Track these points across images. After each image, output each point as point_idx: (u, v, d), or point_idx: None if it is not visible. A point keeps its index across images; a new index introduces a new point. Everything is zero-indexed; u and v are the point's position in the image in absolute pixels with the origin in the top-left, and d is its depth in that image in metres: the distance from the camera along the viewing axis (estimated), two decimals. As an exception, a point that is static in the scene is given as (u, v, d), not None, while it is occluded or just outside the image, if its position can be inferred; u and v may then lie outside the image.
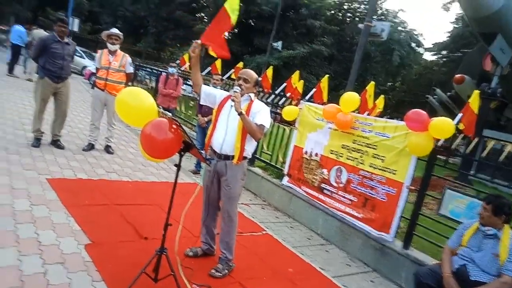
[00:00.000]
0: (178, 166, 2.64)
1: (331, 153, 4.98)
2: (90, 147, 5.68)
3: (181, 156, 2.63)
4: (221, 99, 3.08)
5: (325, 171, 4.99)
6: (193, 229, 3.58)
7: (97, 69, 5.72)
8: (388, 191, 4.17)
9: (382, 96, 7.54)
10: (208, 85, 6.63)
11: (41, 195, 3.65)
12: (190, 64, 3.13)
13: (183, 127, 2.55)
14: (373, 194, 4.32)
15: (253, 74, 3.07)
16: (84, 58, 17.92)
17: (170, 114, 2.57)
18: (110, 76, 5.59)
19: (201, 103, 3.30)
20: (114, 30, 5.69)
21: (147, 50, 30.09)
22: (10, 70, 11.77)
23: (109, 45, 5.61)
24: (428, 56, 37.05)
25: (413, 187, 4.03)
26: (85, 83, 14.56)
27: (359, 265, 4.17)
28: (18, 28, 12.02)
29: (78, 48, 5.43)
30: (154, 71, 13.25)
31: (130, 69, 5.90)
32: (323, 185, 4.97)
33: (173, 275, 2.58)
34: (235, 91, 2.87)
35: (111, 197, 4.02)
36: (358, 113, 5.15)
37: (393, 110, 28.94)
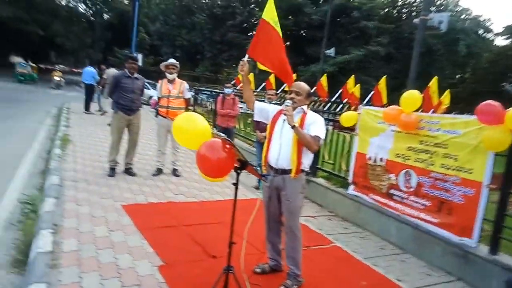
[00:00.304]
0: (236, 184, 2.69)
1: (397, 156, 4.72)
2: (159, 172, 6.02)
3: (238, 174, 2.67)
4: (274, 114, 3.09)
5: (392, 176, 4.73)
6: (259, 245, 3.59)
7: (159, 98, 6.09)
8: (465, 192, 3.83)
9: (448, 90, 7.03)
10: (263, 101, 6.75)
11: (117, 221, 3.93)
12: (241, 82, 3.22)
13: (237, 147, 2.60)
14: (448, 197, 3.99)
15: (304, 86, 3.04)
16: (149, 89, 19.20)
17: (223, 135, 2.63)
18: (171, 104, 5.92)
19: (255, 119, 3.34)
20: (171, 61, 6.05)
21: (205, 74, 31.47)
22: (87, 108, 12.93)
23: (167, 74, 5.97)
24: (500, 41, 33.90)
25: (494, 186, 3.65)
26: (152, 112, 15.54)
27: (441, 274, 3.84)
28: (90, 69, 13.22)
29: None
30: (213, 93, 13.79)
31: (188, 95, 6.20)
32: (392, 191, 4.71)
33: (241, 293, 2.60)
34: (286, 105, 2.86)
35: (180, 218, 4.20)
36: (422, 111, 4.85)
37: (466, 104, 26.77)
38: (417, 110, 4.67)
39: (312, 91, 3.06)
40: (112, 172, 5.60)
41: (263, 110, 3.17)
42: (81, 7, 42.69)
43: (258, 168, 2.87)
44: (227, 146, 2.55)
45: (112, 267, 2.99)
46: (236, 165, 2.64)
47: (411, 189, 4.45)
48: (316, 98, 10.44)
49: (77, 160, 6.18)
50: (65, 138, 7.54)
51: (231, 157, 2.56)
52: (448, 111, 6.86)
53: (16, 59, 39.70)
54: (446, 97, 6.85)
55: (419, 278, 3.69)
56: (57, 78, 24.58)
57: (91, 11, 43.22)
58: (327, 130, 3.18)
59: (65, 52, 42.71)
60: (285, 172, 2.94)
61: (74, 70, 34.52)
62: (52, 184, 4.68)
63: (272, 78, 10.09)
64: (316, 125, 2.90)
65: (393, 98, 4.80)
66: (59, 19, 34.99)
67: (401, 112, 4.60)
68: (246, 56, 3.19)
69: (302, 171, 2.98)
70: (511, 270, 3.31)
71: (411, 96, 4.65)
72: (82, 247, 3.24)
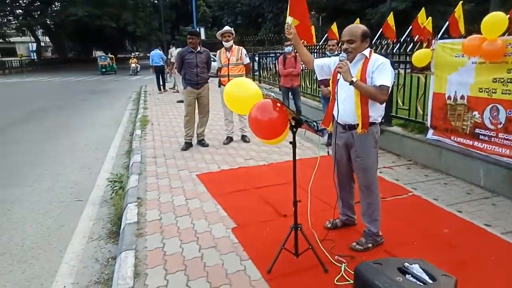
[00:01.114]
0: (293, 143, 2.63)
1: (481, 91, 4.18)
2: (229, 140, 6.20)
3: (294, 133, 2.60)
4: (335, 67, 2.84)
5: (476, 113, 4.23)
6: (329, 200, 3.54)
7: (219, 68, 6.16)
8: None
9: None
10: (326, 53, 6.41)
11: (193, 189, 4.18)
12: (294, 44, 3.05)
13: (287, 106, 2.52)
14: (544, 129, 3.46)
15: (356, 29, 2.71)
16: (214, 61, 19.59)
17: (273, 94, 2.56)
18: (231, 72, 5.96)
19: (319, 78, 3.16)
20: (226, 28, 6.04)
21: (269, 35, 30.92)
22: (160, 88, 13.75)
23: (224, 43, 5.98)
24: None
25: None
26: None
27: (539, 216, 3.41)
28: (157, 51, 13.99)
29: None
30: (277, 54, 13.54)
31: (247, 60, 6.16)
32: (477, 130, 4.23)
33: (311, 248, 2.61)
34: (340, 60, 2.62)
35: (251, 182, 4.31)
36: (509, 35, 4.17)
37: None
38: (503, 35, 4.03)
39: (366, 30, 2.70)
40: (187, 146, 5.90)
41: (324, 66, 2.93)
42: (145, -7, 44.46)
43: (315, 123, 2.73)
44: (278, 105, 2.49)
45: (190, 232, 3.21)
46: (290, 123, 2.57)
47: (500, 126, 3.94)
48: (384, 41, 9.60)
49: (155, 138, 6.65)
50: (143, 120, 8.15)
51: (283, 116, 2.49)
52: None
53: (98, 53, 43.37)
54: (541, 12, 5.77)
55: (513, 221, 3.33)
56: (133, 65, 26.39)
57: (154, -5, 44.80)
58: (399, 73, 2.88)
59: (138, 39, 45.38)
60: (353, 127, 2.76)
61: (148, 55, 36.74)
62: (135, 162, 5.12)
63: (334, 28, 9.48)
64: (380, 72, 2.59)
65: (479, 26, 4.17)
66: (127, 8, 37.03)
67: (483, 40, 4.01)
68: (289, 18, 3.02)
69: (373, 123, 2.74)
70: None
71: (496, 19, 4.01)
72: (163, 216, 3.53)
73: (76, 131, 8.02)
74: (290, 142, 2.60)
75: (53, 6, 41.58)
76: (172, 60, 11.59)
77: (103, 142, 6.98)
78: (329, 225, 3.15)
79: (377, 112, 2.72)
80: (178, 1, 42.09)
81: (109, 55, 30.89)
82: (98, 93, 15.62)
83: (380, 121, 2.79)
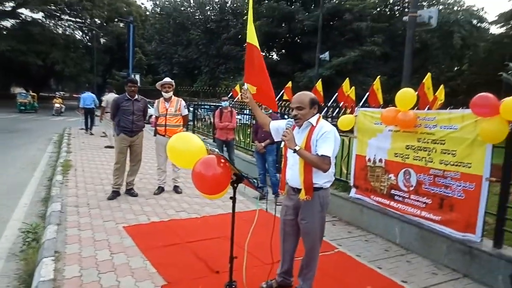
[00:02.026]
0: (233, 198, 2.69)
1: (396, 156, 4.70)
2: (160, 190, 6.03)
3: (234, 188, 2.67)
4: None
5: (392, 176, 4.71)
6: (264, 257, 3.57)
7: (156, 117, 6.13)
8: (465, 187, 3.80)
9: (442, 86, 7.02)
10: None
11: (119, 243, 3.93)
12: (251, 109, 3.16)
13: (232, 161, 2.60)
14: (448, 193, 3.97)
15: (304, 96, 2.81)
16: (150, 108, 19.36)
17: (217, 150, 2.64)
18: (169, 122, 5.96)
19: (275, 140, 3.20)
20: (166, 80, 6.11)
21: (204, 88, 31.66)
22: (86, 129, 13.78)
23: (163, 93, 6.02)
24: (496, 30, 33.85)
25: (493, 179, 3.62)
26: (152, 130, 15.64)
27: (447, 272, 3.79)
28: (88, 94, 13.97)
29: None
30: (212, 107, 13.86)
31: (185, 112, 6.23)
32: (392, 191, 4.69)
33: (244, 308, 2.58)
34: (287, 127, 2.75)
35: (182, 236, 4.19)
36: (417, 109, 4.85)
37: (466, 96, 26.64)
38: (413, 108, 4.67)
39: (314, 98, 2.83)
40: (115, 195, 5.60)
41: (279, 128, 2.97)
42: (78, 34, 43.40)
43: (255, 180, 2.81)
44: (222, 161, 2.55)
45: (115, 290, 2.98)
46: (232, 179, 2.64)
47: (411, 188, 4.42)
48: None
49: (79, 185, 6.21)
50: (66, 164, 7.60)
51: (226, 172, 2.56)
52: (446, 105, 6.84)
53: (17, 90, 40.28)
54: (441, 92, 6.83)
55: (425, 278, 3.65)
56: (57, 105, 24.92)
57: (87, 37, 43.87)
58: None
59: (65, 78, 43.32)
60: (300, 191, 2.82)
61: (75, 95, 34.94)
62: (54, 211, 4.70)
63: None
64: (323, 141, 2.66)
65: (393, 96, 4.79)
66: (57, 47, 35.53)
67: (398, 111, 4.60)
68: (246, 84, 3.19)
69: (319, 188, 2.79)
70: (518, 262, 3.26)
71: (406, 95, 4.67)
72: (84, 272, 3.24)
73: (-16, 173, 7.18)
74: (230, 198, 2.64)
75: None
76: (103, 104, 11.30)
77: (16, 186, 6.33)
78: (264, 286, 3.13)
79: (323, 178, 2.77)
80: (113, 46, 41.63)
81: (31, 93, 28.87)
82: (14, 132, 14.31)
83: (328, 186, 2.84)
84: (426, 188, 4.24)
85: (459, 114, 4.05)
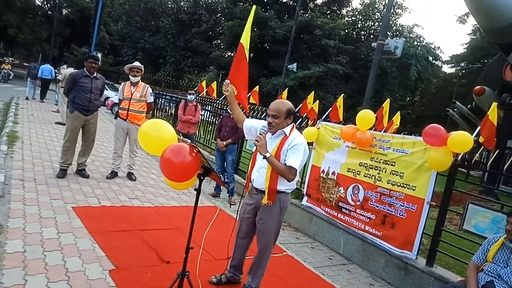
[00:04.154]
0: (198, 190, 2.73)
1: (348, 171, 4.98)
2: (114, 175, 5.87)
3: (200, 180, 2.71)
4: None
5: (341, 189, 4.98)
6: (215, 253, 3.63)
7: (120, 100, 5.97)
8: (408, 207, 4.13)
9: (399, 112, 7.53)
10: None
11: (67, 223, 3.80)
12: (228, 103, 3.19)
13: (202, 152, 2.64)
14: (391, 211, 4.28)
15: (281, 106, 2.87)
16: (107, 90, 18.64)
17: (190, 141, 2.68)
18: (132, 106, 5.82)
19: (246, 138, 3.25)
20: (136, 64, 5.98)
21: (167, 78, 31.01)
22: (42, 98, 14.64)
23: (131, 77, 5.88)
24: (447, 69, 36.64)
25: (434, 203, 3.97)
26: (108, 113, 15.10)
27: (383, 284, 4.09)
28: (47, 66, 14.55)
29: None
30: (174, 98, 13.65)
31: (151, 99, 6.12)
32: (340, 204, 4.95)
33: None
34: (261, 132, 2.85)
35: (134, 223, 4.13)
36: (374, 130, 5.17)
37: (414, 125, 28.51)
38: (370, 129, 4.97)
39: (291, 108, 2.89)
40: (63, 173, 5.37)
41: (252, 128, 3.04)
42: (38, 0, 40.66)
43: (221, 176, 2.86)
44: (194, 151, 2.59)
45: (60, 269, 2.89)
46: (199, 171, 2.68)
47: (358, 203, 4.71)
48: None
49: (26, 158, 5.87)
50: (12, 135, 7.14)
51: (196, 162, 2.60)
52: (398, 131, 7.34)
53: (-40, 48, 36.92)
54: (397, 118, 7.33)
55: None
56: (5, 70, 23.20)
57: (48, 5, 41.23)
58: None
59: (17, 44, 40.23)
60: (263, 192, 2.90)
61: (26, 64, 32.69)
62: (-3, 182, 4.43)
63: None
64: (293, 152, 2.76)
65: (350, 115, 5.06)
66: (12, 10, 33.01)
67: (357, 130, 4.88)
68: (227, 80, 3.23)
69: (282, 192, 2.89)
70: (445, 280, 3.60)
71: (366, 116, 4.96)
72: (28, 248, 3.11)
73: None
74: (195, 189, 2.68)
75: None
76: (59, 78, 10.78)
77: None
78: (214, 280, 3.19)
79: (286, 185, 2.89)
80: (75, 18, 39.50)
81: (-24, 54, 26.58)
82: (-48, 93, 13.14)
83: (290, 191, 2.96)
84: (372, 204, 4.54)
85: (411, 140, 4.39)
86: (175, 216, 4.62)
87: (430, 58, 32.64)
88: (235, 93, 3.19)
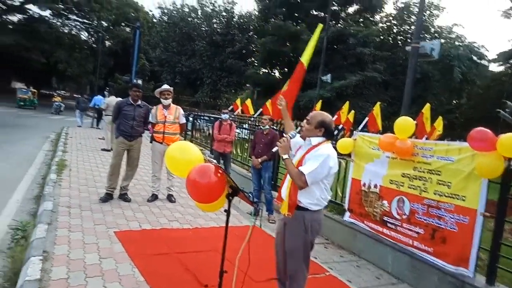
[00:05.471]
0: (228, 211, 2.68)
1: (391, 183, 4.72)
2: (154, 197, 5.99)
3: (229, 201, 2.67)
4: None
5: (385, 202, 4.72)
6: (254, 274, 3.53)
7: (153, 124, 6.12)
8: (459, 219, 3.81)
9: (440, 117, 7.12)
10: (259, 126, 6.79)
11: (109, 248, 3.88)
12: (283, 116, 3.28)
13: (228, 173, 2.60)
14: (441, 224, 3.97)
15: (318, 115, 2.82)
16: (150, 114, 19.45)
17: (215, 161, 2.65)
18: (167, 129, 5.97)
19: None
20: (165, 87, 6.15)
21: (204, 99, 31.80)
22: (97, 124, 16.57)
23: (162, 100, 6.05)
24: (495, 67, 34.53)
25: (488, 214, 3.64)
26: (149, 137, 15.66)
27: (437, 305, 3.77)
28: (99, 97, 16.05)
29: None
30: (211, 118, 13.92)
31: (183, 120, 6.25)
32: (385, 218, 4.69)
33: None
34: (290, 136, 2.84)
35: (173, 246, 4.15)
36: (415, 138, 4.90)
37: (462, 130, 26.95)
38: (410, 137, 4.71)
39: (326, 121, 2.81)
40: (107, 197, 5.57)
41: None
42: (84, 35, 43.70)
43: (250, 195, 2.82)
44: (219, 171, 2.56)
45: (101, 296, 2.93)
46: (227, 191, 2.64)
47: (404, 216, 4.43)
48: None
49: (72, 185, 6.16)
50: (61, 163, 7.55)
51: (222, 182, 2.56)
52: (443, 137, 6.93)
53: (18, 85, 40.28)
54: (439, 123, 6.92)
55: (415, 308, 3.62)
56: (57, 102, 24.90)
57: (93, 39, 44.17)
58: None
59: (67, 78, 43.31)
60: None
61: (76, 95, 35.04)
62: (45, 210, 4.65)
63: (269, 104, 10.18)
64: (310, 160, 2.66)
65: (391, 123, 4.85)
66: (62, 46, 35.70)
67: (396, 139, 4.64)
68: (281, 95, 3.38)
69: (303, 209, 2.72)
70: (508, 300, 3.25)
71: (405, 123, 4.71)
72: (71, 274, 3.19)
73: (-24, 166, 7.11)
74: (225, 210, 2.64)
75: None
76: (102, 106, 11.41)
77: (9, 182, 6.26)
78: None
79: (307, 198, 2.70)
80: (118, 49, 41.89)
81: (31, 89, 28.81)
82: (11, 127, 14.24)
83: (315, 209, 2.75)
84: (419, 217, 4.25)
85: (456, 146, 4.09)
86: (214, 238, 4.58)
87: (475, 58, 30.92)
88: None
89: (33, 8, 36.72)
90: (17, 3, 36.78)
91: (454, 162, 4.00)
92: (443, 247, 3.91)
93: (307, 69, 3.76)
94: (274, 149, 2.89)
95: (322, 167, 2.62)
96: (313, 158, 2.66)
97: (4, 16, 38.39)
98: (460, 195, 3.87)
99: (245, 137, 11.14)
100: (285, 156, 2.73)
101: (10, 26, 35.75)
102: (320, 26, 3.88)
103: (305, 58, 3.63)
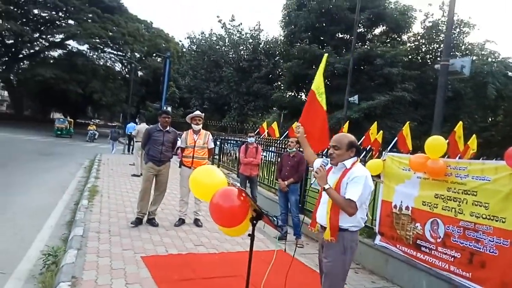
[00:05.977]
0: (252, 236, 2.64)
1: (424, 204, 4.52)
2: (181, 222, 6.02)
3: (253, 225, 2.63)
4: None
5: (418, 225, 4.50)
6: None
7: (183, 148, 6.23)
8: (499, 243, 3.56)
9: (474, 135, 6.82)
10: (286, 149, 6.76)
11: (135, 273, 3.90)
12: (300, 143, 3.36)
13: (252, 197, 2.58)
14: (479, 248, 3.73)
15: (343, 138, 2.84)
16: (178, 140, 19.92)
17: (238, 185, 2.64)
18: (196, 154, 6.06)
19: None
20: (197, 113, 6.29)
21: (232, 124, 32.21)
22: (129, 150, 17.63)
23: (193, 125, 6.19)
24: (532, 83, 33.02)
25: (531, 236, 3.39)
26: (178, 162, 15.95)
27: (480, 336, 3.49)
28: (132, 124, 16.69)
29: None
30: (238, 142, 14.03)
31: (212, 145, 6.36)
32: (418, 242, 4.46)
33: None
34: (322, 164, 2.80)
35: (198, 271, 4.11)
36: (448, 157, 4.70)
37: (500, 148, 25.69)
38: (443, 156, 4.53)
39: (353, 140, 2.84)
40: (137, 222, 5.65)
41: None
42: (117, 66, 46.00)
43: (275, 218, 2.78)
44: (242, 195, 2.54)
45: (126, 322, 2.92)
46: (251, 215, 2.61)
47: (439, 240, 4.20)
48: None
49: (103, 211, 6.30)
50: (93, 189, 7.78)
51: (245, 206, 2.54)
52: (478, 156, 6.61)
53: (57, 115, 42.64)
54: (473, 142, 6.63)
55: None
56: (91, 131, 26.01)
57: (126, 69, 46.36)
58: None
59: (102, 107, 45.43)
60: (325, 229, 2.78)
61: (110, 124, 36.63)
62: (76, 235, 4.76)
63: (295, 126, 10.21)
64: (352, 185, 2.64)
65: (422, 143, 4.70)
66: (97, 77, 37.71)
67: (427, 158, 4.47)
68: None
69: (345, 230, 2.72)
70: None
71: (436, 142, 4.56)
72: (98, 300, 3.21)
73: (14, 192, 7.45)
74: (249, 235, 2.60)
75: (22, 63, 41.38)
76: (133, 133, 11.76)
77: (44, 208, 6.51)
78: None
79: (349, 222, 2.71)
80: (149, 79, 43.60)
81: (68, 119, 30.33)
82: (48, 155, 14.93)
83: (354, 230, 2.76)
84: (455, 240, 4.01)
85: (492, 165, 3.89)
86: (239, 263, 4.50)
87: (510, 74, 29.78)
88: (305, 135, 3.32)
89: (72, 43, 39.29)
90: (58, 40, 39.43)
91: (491, 181, 3.79)
92: (483, 272, 3.65)
93: (325, 92, 3.73)
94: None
95: (365, 189, 2.66)
96: (354, 182, 2.66)
97: (46, 52, 41.23)
98: (499, 216, 3.64)
99: (272, 159, 11.12)
100: (326, 187, 2.69)
101: (51, 61, 38.24)
102: (325, 56, 3.95)
103: (315, 86, 3.68)
